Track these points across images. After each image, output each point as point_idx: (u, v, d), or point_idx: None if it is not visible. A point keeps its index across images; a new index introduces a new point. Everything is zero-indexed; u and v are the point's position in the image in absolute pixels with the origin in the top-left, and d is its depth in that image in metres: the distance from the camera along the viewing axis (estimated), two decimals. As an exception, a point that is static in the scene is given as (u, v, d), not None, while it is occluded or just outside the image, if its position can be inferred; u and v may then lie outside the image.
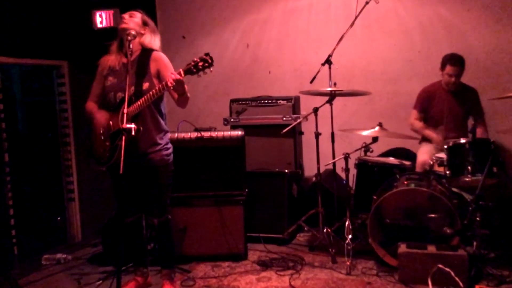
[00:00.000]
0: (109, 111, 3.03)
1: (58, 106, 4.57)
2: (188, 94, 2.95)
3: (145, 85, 2.92)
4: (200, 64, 2.71)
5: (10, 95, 5.46)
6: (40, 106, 5.15)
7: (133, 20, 3.02)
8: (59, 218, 4.61)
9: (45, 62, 4.47)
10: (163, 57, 3.06)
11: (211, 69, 2.74)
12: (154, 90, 2.82)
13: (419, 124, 4.13)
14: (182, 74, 2.75)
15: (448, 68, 3.94)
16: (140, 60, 2.98)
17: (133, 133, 2.64)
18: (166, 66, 3.00)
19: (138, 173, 2.98)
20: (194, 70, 2.73)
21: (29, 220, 4.37)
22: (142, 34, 3.02)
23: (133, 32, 2.93)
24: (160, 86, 2.82)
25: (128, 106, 2.76)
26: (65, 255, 3.99)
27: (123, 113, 2.73)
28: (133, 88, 2.89)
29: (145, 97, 2.84)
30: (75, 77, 4.52)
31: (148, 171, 3.03)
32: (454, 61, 3.92)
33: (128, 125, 2.65)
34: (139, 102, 2.84)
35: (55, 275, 3.70)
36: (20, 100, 5.69)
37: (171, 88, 2.80)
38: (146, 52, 3.02)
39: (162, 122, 3.09)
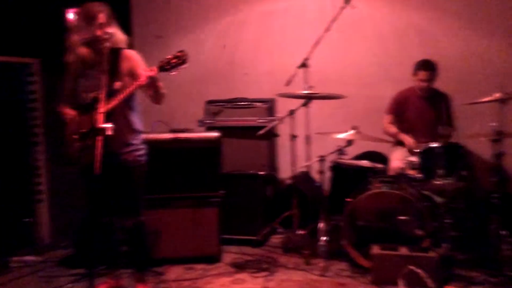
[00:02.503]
0: (80, 111, 2.98)
1: (28, 105, 4.46)
2: (164, 90, 2.93)
3: (117, 84, 2.87)
4: (174, 61, 2.71)
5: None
6: (12, 105, 5.00)
7: (106, 24, 2.93)
8: (27, 219, 4.49)
9: (15, 60, 4.35)
10: (134, 54, 3.02)
11: (185, 66, 2.73)
12: (127, 88, 2.80)
13: (393, 129, 4.20)
14: (156, 71, 2.73)
15: (421, 74, 4.02)
16: (111, 58, 2.91)
17: (109, 132, 2.60)
18: (138, 64, 2.97)
19: (110, 173, 2.89)
20: (168, 67, 2.72)
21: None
22: (111, 34, 2.95)
23: (107, 37, 2.89)
24: (133, 84, 2.79)
25: (100, 105, 2.73)
26: (34, 257, 3.91)
27: (97, 113, 2.70)
28: (105, 87, 2.82)
29: (118, 96, 2.81)
30: (47, 75, 4.42)
31: (120, 172, 2.99)
32: (426, 66, 4.00)
33: (104, 125, 2.60)
34: (112, 102, 2.80)
35: (24, 278, 3.62)
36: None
37: (145, 85, 2.77)
38: (116, 50, 2.96)
39: (135, 122, 3.05)
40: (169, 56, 2.72)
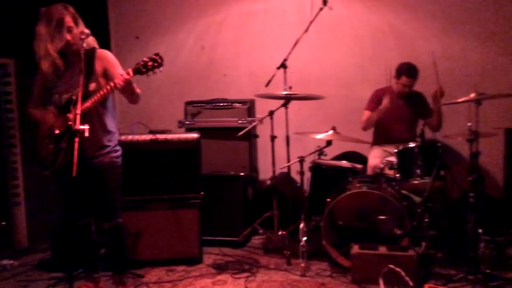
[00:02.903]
0: (53, 113, 2.92)
1: (3, 106, 4.36)
2: (138, 90, 2.89)
3: (92, 86, 2.83)
4: (150, 64, 2.69)
5: None
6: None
7: (74, 27, 2.86)
8: (3, 223, 4.40)
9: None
10: (109, 55, 2.98)
11: (161, 69, 2.71)
12: (102, 91, 2.77)
13: (367, 115, 4.21)
14: (131, 74, 2.71)
15: (404, 79, 4.07)
16: (84, 60, 2.83)
17: (86, 134, 2.57)
18: (113, 65, 2.93)
19: (85, 175, 2.87)
20: (144, 70, 2.70)
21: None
22: (84, 35, 2.84)
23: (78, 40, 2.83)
24: (108, 86, 2.76)
25: (74, 106, 2.70)
26: (11, 261, 3.83)
27: (73, 115, 2.67)
28: (79, 89, 2.75)
29: (93, 97, 2.77)
30: (23, 76, 4.33)
31: (96, 174, 2.94)
32: (411, 73, 4.05)
33: (81, 126, 2.56)
34: (86, 103, 2.75)
35: (1, 282, 3.54)
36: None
37: (120, 88, 2.75)
38: (89, 51, 2.91)
39: (109, 123, 3.00)
40: (145, 59, 2.70)
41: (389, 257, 3.19)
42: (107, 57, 2.96)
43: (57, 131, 2.86)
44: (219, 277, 3.51)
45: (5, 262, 3.80)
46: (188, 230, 3.72)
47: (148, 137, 3.74)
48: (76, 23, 2.86)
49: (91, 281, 3.20)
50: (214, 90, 4.80)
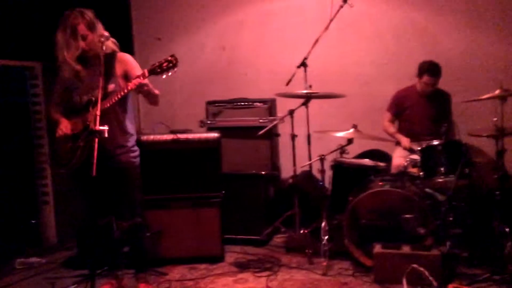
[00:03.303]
0: (72, 114, 3.01)
1: (32, 107, 4.48)
2: (157, 92, 2.97)
3: (111, 87, 2.92)
4: (165, 64, 2.76)
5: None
6: (14, 107, 5.03)
7: (88, 35, 2.92)
8: (33, 221, 4.52)
9: (17, 63, 4.38)
10: (129, 57, 3.07)
11: (175, 70, 2.78)
12: (119, 93, 2.85)
13: (391, 128, 4.21)
14: (147, 74, 2.79)
15: (426, 78, 4.00)
16: (104, 62, 2.91)
17: (106, 134, 2.63)
18: (133, 67, 3.02)
19: (104, 175, 2.89)
20: (159, 70, 2.77)
21: (3, 224, 4.27)
22: (102, 42, 2.92)
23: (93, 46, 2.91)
24: (125, 88, 2.84)
25: (93, 108, 2.79)
26: (39, 259, 3.94)
27: (92, 115, 2.76)
28: (98, 90, 2.83)
29: (111, 98, 2.85)
30: (49, 78, 4.44)
31: (114, 173, 3.01)
32: (433, 71, 3.98)
33: (101, 127, 2.63)
34: (105, 104, 2.83)
35: (29, 279, 3.64)
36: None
37: (136, 89, 2.83)
38: (109, 53, 3.00)
39: (127, 124, 3.08)
40: (160, 60, 2.78)
41: (412, 257, 3.15)
42: (127, 60, 3.04)
43: (75, 131, 2.94)
44: (240, 276, 3.52)
45: (33, 259, 3.91)
46: (210, 229, 3.75)
47: (170, 137, 3.79)
48: (92, 29, 2.92)
49: (114, 278, 3.26)
50: (235, 89, 4.81)
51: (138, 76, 2.80)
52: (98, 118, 2.64)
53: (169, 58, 2.77)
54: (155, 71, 2.78)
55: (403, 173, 3.68)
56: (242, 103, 4.40)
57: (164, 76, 2.79)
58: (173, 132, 3.83)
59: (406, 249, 3.26)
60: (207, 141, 3.81)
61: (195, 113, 4.58)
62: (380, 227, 3.47)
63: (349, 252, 3.53)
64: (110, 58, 2.98)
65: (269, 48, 4.97)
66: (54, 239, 4.50)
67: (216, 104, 4.45)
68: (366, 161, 3.99)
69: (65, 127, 3.00)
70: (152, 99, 3.00)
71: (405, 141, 4.03)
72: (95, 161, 2.53)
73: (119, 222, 3.14)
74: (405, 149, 3.97)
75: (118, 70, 2.99)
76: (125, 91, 2.85)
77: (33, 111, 4.48)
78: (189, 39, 5.17)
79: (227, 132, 4.24)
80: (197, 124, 4.41)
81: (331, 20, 3.89)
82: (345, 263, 3.62)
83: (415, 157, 3.64)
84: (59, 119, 3.05)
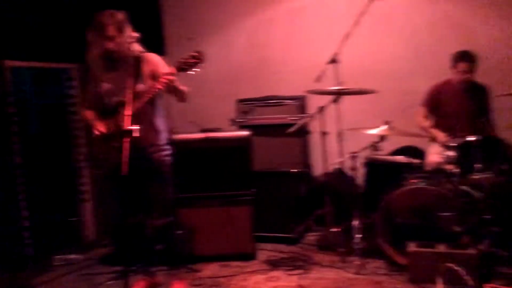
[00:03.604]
0: (105, 115, 3.07)
1: (69, 108, 4.61)
2: (184, 88, 2.99)
3: (140, 87, 2.96)
4: (191, 61, 2.79)
5: (23, 98, 5.50)
6: (53, 108, 5.20)
7: (117, 36, 2.96)
8: (72, 218, 4.65)
9: (55, 65, 4.52)
10: (156, 58, 3.10)
11: (202, 65, 2.79)
12: (149, 92, 2.89)
13: (425, 123, 4.10)
14: (174, 72, 2.82)
15: (462, 65, 3.87)
16: (133, 63, 3.00)
17: (137, 134, 2.68)
18: (160, 66, 3.03)
19: (137, 174, 2.97)
20: (185, 67, 2.80)
21: (43, 221, 4.42)
22: (128, 46, 2.99)
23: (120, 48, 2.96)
24: (152, 88, 2.88)
25: (124, 108, 2.83)
26: (76, 256, 4.04)
27: (123, 115, 2.80)
28: (128, 91, 2.91)
29: (141, 99, 2.89)
30: (85, 80, 4.55)
31: (146, 172, 3.05)
32: (467, 57, 3.86)
33: (131, 127, 2.68)
34: (135, 105, 2.88)
35: (67, 276, 3.75)
36: (34, 102, 5.74)
37: (165, 88, 2.87)
38: (137, 55, 3.04)
39: (158, 123, 3.12)
40: (186, 57, 2.80)
41: (448, 256, 3.08)
42: (154, 60, 3.07)
43: (108, 132, 3.00)
44: (272, 273, 3.53)
45: (71, 256, 4.01)
46: (241, 227, 3.77)
47: (200, 135, 3.83)
48: (120, 30, 2.95)
49: (148, 275, 3.32)
50: (265, 87, 4.80)
51: (165, 74, 2.84)
52: (128, 118, 2.69)
53: (194, 54, 2.79)
54: (181, 68, 2.81)
55: (438, 170, 3.59)
56: (273, 101, 4.40)
57: (191, 73, 2.80)
58: (204, 130, 3.86)
59: (441, 247, 3.19)
60: (237, 139, 3.83)
61: (226, 112, 4.60)
62: (414, 225, 3.41)
63: (383, 250, 3.48)
64: (138, 59, 3.02)
65: (300, 45, 4.93)
66: (93, 236, 4.62)
67: (247, 102, 4.47)
68: (400, 158, 3.92)
69: (101, 127, 3.07)
70: (179, 95, 3.01)
71: (440, 136, 3.93)
72: (126, 160, 2.58)
73: (152, 221, 3.18)
74: (441, 145, 3.87)
75: (146, 70, 3.03)
76: (155, 90, 2.88)
77: (70, 112, 4.60)
78: (220, 38, 5.20)
79: (258, 130, 4.24)
80: (228, 122, 4.44)
81: (361, 15, 3.83)
82: (378, 262, 3.57)
83: (451, 153, 3.53)
84: (93, 120, 3.12)
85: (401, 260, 3.39)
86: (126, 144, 2.64)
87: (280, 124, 4.27)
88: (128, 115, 2.72)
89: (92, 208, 4.63)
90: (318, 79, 3.81)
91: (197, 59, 2.79)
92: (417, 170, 3.74)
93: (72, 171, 4.64)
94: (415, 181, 3.53)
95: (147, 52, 3.10)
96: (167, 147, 3.17)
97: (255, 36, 5.10)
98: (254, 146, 4.00)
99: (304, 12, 4.91)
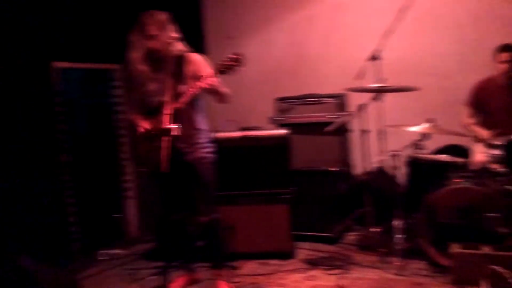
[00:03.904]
0: (148, 115, 3.12)
1: (113, 108, 4.75)
2: (226, 90, 3.00)
3: (182, 88, 2.99)
4: (230, 63, 2.79)
5: (70, 98, 5.71)
6: (99, 108, 5.37)
7: (158, 35, 3.00)
8: (117, 215, 4.79)
9: (100, 66, 4.66)
10: (198, 58, 3.11)
11: (242, 67, 2.80)
12: (190, 92, 2.91)
13: (469, 121, 3.98)
14: (215, 74, 2.83)
15: (504, 55, 3.73)
16: (174, 63, 3.04)
17: (176, 132, 2.73)
18: (202, 67, 3.05)
19: (179, 171, 3.06)
20: (225, 69, 2.81)
21: (89, 217, 4.57)
22: (170, 46, 3.03)
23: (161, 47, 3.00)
24: (193, 89, 2.90)
25: (167, 108, 2.88)
26: (120, 251, 4.16)
27: (166, 115, 2.87)
28: (170, 91, 2.96)
29: (183, 98, 2.93)
30: (126, 80, 4.66)
31: (189, 169, 3.09)
32: (508, 48, 3.72)
33: (170, 125, 2.73)
34: (177, 104, 2.92)
35: (111, 270, 3.86)
36: (80, 102, 5.95)
37: (205, 89, 2.89)
38: (179, 55, 3.07)
39: (199, 121, 3.15)
40: (226, 59, 2.81)
41: (493, 258, 2.99)
42: (196, 60, 3.09)
43: (151, 131, 3.05)
44: (311, 273, 3.51)
45: (114, 251, 4.14)
46: (280, 225, 3.77)
47: (239, 134, 3.86)
48: (161, 30, 2.99)
49: (188, 271, 3.37)
50: (305, 85, 4.78)
51: (206, 77, 2.85)
52: (168, 117, 2.74)
53: (234, 56, 2.80)
54: (221, 71, 2.83)
55: (484, 170, 3.48)
56: (312, 99, 4.37)
57: (231, 74, 2.82)
58: (243, 129, 3.89)
59: (486, 249, 3.09)
60: (276, 137, 3.84)
61: (265, 110, 4.62)
62: (458, 226, 3.33)
63: (424, 251, 3.40)
64: (180, 59, 3.06)
65: (339, 42, 4.88)
66: (135, 232, 4.75)
67: (286, 101, 4.46)
68: (444, 157, 3.81)
69: (145, 124, 3.12)
70: (219, 97, 3.04)
71: (485, 135, 3.80)
72: (166, 158, 2.63)
73: (197, 218, 3.21)
74: (486, 143, 3.74)
75: (188, 70, 3.06)
76: (195, 91, 2.91)
77: (114, 111, 4.74)
78: (259, 37, 5.21)
79: (298, 128, 4.23)
80: (267, 121, 4.45)
81: (404, 10, 3.75)
82: (420, 263, 3.49)
83: (497, 152, 3.41)
84: (137, 120, 3.18)
85: (443, 261, 3.30)
86: (165, 142, 2.69)
87: (319, 123, 4.23)
88: (167, 114, 2.77)
89: (135, 204, 4.75)
90: (359, 76, 3.77)
91: (236, 62, 2.80)
92: (462, 169, 3.63)
93: (117, 169, 4.78)
94: (459, 180, 3.44)
95: (190, 52, 3.12)
96: (209, 145, 3.20)
97: (294, 34, 5.08)
98: (293, 145, 3.99)
99: (345, 8, 4.85)
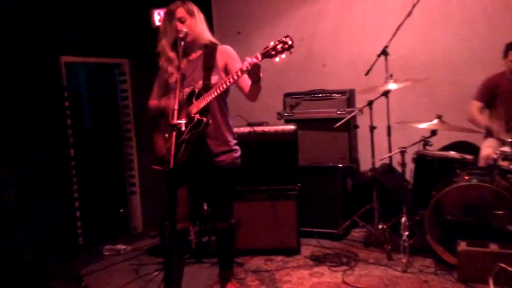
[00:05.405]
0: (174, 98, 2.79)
1: (120, 102, 4.75)
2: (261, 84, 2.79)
3: (214, 79, 2.79)
4: (280, 46, 2.52)
5: (76, 92, 5.74)
6: (105, 102, 5.38)
7: (186, 18, 2.82)
8: (122, 210, 4.80)
9: (107, 60, 4.67)
10: (230, 50, 2.92)
11: (291, 51, 2.55)
12: (225, 80, 2.65)
13: (478, 117, 3.92)
14: (259, 58, 2.55)
15: (510, 54, 3.70)
16: (206, 54, 2.85)
17: (183, 128, 2.57)
18: (234, 60, 2.88)
19: (204, 174, 2.86)
20: (273, 53, 2.53)
21: (94, 212, 4.58)
22: (200, 32, 2.85)
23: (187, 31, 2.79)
24: (235, 72, 2.61)
25: (197, 99, 2.69)
26: (125, 246, 4.16)
27: (197, 107, 2.68)
28: (201, 82, 2.78)
29: (215, 90, 2.66)
30: (136, 74, 4.67)
31: (216, 174, 2.87)
32: None
33: (178, 121, 2.55)
34: (208, 96, 2.67)
35: (116, 265, 3.86)
36: (86, 96, 5.98)
37: (247, 73, 2.60)
38: (211, 45, 2.89)
39: (230, 120, 2.95)
40: (275, 42, 2.54)
41: (500, 256, 2.96)
42: (229, 52, 2.90)
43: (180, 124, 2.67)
44: (316, 269, 3.50)
45: (119, 246, 4.14)
46: (286, 221, 3.76)
47: (247, 129, 3.84)
48: (191, 15, 2.82)
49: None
50: (313, 81, 4.76)
51: (251, 59, 2.56)
52: (176, 112, 2.55)
53: (284, 39, 2.53)
54: (269, 54, 2.53)
55: (492, 166, 3.43)
56: (320, 95, 4.35)
57: (277, 59, 2.55)
58: (250, 124, 3.87)
59: (493, 247, 3.07)
60: (283, 133, 3.82)
61: (273, 106, 4.60)
62: (465, 223, 3.29)
63: (431, 249, 3.37)
64: (212, 49, 2.86)
65: (349, 37, 4.84)
66: (140, 228, 4.75)
67: (294, 96, 4.44)
68: (452, 154, 3.78)
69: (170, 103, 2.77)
70: (256, 89, 2.78)
71: (495, 131, 3.75)
72: (172, 153, 2.48)
73: (215, 224, 3.01)
74: (496, 140, 3.69)
75: (220, 62, 2.85)
76: (236, 75, 2.61)
77: (121, 106, 4.74)
78: (268, 32, 5.17)
79: (305, 124, 4.22)
80: (274, 116, 4.43)
81: (414, 5, 3.71)
82: (426, 260, 3.47)
83: (506, 149, 3.37)
84: (162, 103, 2.87)
85: (450, 259, 3.27)
86: (174, 138, 2.56)
87: (327, 118, 4.22)
88: (175, 109, 2.59)
89: (140, 200, 4.76)
90: (367, 72, 3.74)
91: (286, 44, 2.52)
92: (470, 166, 3.60)
93: (123, 164, 4.78)
94: (467, 177, 3.39)
95: (221, 44, 2.93)
96: (237, 147, 2.97)
97: (303, 29, 5.04)
98: (301, 140, 3.97)
99: (353, 4, 4.82)
